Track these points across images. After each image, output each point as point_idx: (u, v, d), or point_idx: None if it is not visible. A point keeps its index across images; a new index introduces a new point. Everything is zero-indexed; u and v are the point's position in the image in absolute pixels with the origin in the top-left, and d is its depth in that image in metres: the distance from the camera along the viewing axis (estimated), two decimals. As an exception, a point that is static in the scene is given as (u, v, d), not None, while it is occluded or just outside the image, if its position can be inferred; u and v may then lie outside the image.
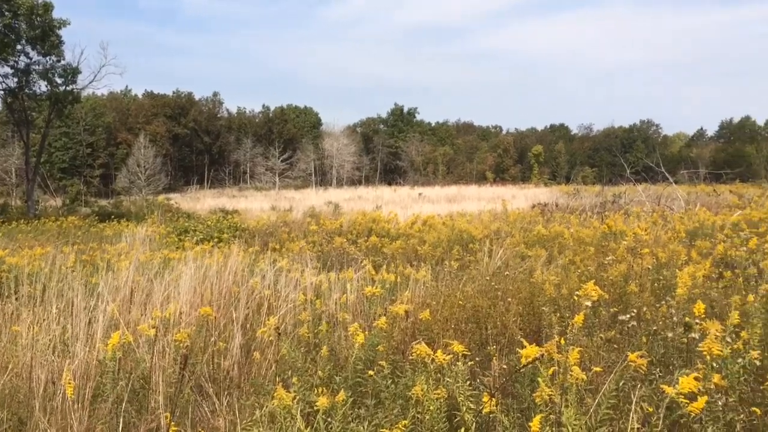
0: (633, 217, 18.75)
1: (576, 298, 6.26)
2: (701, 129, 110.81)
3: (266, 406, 3.92)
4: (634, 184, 29.84)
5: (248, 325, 6.28)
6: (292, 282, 7.36)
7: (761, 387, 3.84)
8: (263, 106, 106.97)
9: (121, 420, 4.35)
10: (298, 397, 3.78)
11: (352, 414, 4.02)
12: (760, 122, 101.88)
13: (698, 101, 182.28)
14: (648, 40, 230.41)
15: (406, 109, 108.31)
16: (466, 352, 3.84)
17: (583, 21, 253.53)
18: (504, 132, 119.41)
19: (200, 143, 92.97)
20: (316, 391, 4.28)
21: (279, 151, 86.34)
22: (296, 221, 19.61)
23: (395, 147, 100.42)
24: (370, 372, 4.30)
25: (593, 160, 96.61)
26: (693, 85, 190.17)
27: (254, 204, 39.90)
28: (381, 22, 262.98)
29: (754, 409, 3.47)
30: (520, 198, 37.19)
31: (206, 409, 4.95)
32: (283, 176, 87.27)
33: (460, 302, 6.61)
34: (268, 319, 5.18)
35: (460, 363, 3.79)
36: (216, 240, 15.13)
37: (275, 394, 3.62)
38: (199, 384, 5.32)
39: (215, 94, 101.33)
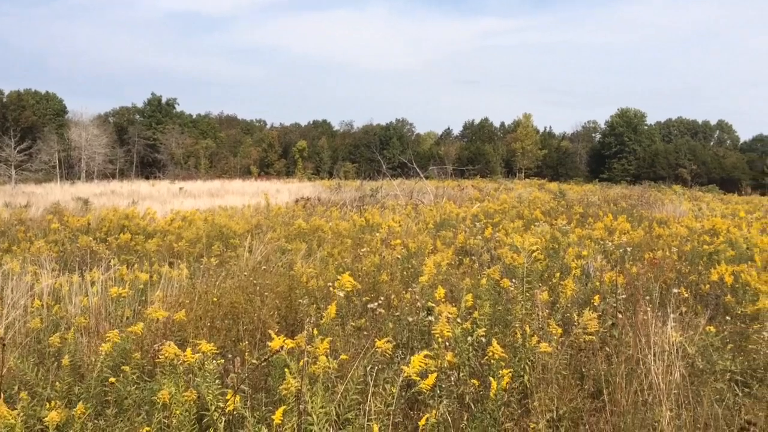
0: (389, 210, 19.95)
1: (332, 289, 6.48)
2: (448, 129, 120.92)
3: (-15, 429, 3.45)
4: (391, 179, 31.76)
5: (-33, 339, 5.48)
6: (25, 286, 6.58)
7: (481, 361, 4.31)
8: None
9: None
10: (24, 414, 3.38)
11: (91, 426, 3.71)
12: (497, 124, 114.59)
13: (446, 103, 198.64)
14: (405, 45, 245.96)
15: (164, 100, 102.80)
16: (215, 351, 3.74)
17: (346, 21, 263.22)
18: (268, 126, 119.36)
19: None
20: (48, 405, 3.88)
21: (15, 141, 76.77)
22: (35, 219, 17.55)
23: (153, 139, 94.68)
24: (112, 379, 4.00)
25: (354, 156, 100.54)
26: (441, 87, 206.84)
27: (-16, 200, 34.96)
28: (139, 5, 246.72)
29: (473, 380, 3.87)
30: (284, 192, 37.37)
31: None
32: (20, 169, 77.77)
33: (215, 299, 6.46)
34: (-9, 330, 4.56)
35: (208, 362, 3.68)
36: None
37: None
38: None
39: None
